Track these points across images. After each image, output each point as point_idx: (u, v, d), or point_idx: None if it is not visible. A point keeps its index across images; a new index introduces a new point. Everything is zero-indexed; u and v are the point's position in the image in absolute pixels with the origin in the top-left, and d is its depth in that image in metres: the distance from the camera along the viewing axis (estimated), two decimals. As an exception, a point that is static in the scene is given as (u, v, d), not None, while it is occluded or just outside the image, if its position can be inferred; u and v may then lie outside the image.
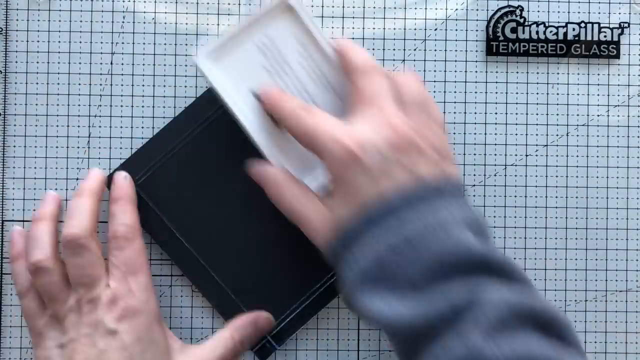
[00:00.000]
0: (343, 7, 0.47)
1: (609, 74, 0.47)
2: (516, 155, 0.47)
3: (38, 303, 0.42)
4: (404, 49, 0.47)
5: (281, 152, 0.41)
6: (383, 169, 0.36)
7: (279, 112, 0.40)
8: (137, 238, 0.43)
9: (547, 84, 0.47)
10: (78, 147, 0.46)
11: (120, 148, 0.46)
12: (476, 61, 0.47)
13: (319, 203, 0.39)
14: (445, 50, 0.47)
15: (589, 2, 0.47)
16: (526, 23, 0.46)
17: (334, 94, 0.42)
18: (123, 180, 0.44)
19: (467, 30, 0.47)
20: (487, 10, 0.47)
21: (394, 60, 0.47)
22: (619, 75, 0.47)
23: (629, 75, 0.47)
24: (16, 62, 0.46)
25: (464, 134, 0.47)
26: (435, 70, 0.47)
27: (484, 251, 0.35)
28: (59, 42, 0.46)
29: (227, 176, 0.45)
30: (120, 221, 0.42)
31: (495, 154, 0.47)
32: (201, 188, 0.45)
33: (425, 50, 0.47)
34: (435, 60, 0.47)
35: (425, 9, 0.47)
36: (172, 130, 0.45)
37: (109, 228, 0.43)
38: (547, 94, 0.47)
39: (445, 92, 0.47)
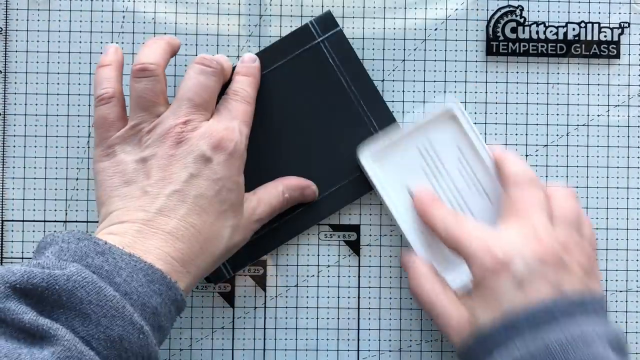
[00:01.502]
0: (343, 7, 0.47)
1: (609, 74, 0.47)
2: (516, 155, 0.47)
3: (118, 113, 0.40)
4: (404, 49, 0.47)
5: (427, 248, 0.44)
6: (528, 280, 0.38)
7: (429, 217, 0.43)
8: (253, 105, 0.43)
9: (547, 84, 0.47)
10: (78, 147, 0.46)
11: (120, 148, 0.46)
12: (476, 61, 0.47)
13: (457, 301, 0.41)
14: (445, 50, 0.47)
15: (589, 2, 0.47)
16: (526, 23, 0.46)
17: (487, 200, 0.44)
18: (253, 61, 0.44)
19: (467, 30, 0.47)
20: (487, 10, 0.47)
21: (394, 60, 0.47)
22: (619, 75, 0.47)
23: (629, 75, 0.47)
24: (16, 62, 0.46)
25: (464, 134, 0.47)
26: (435, 70, 0.47)
27: None
28: (59, 42, 0.46)
29: (292, 125, 0.45)
30: (242, 87, 0.42)
31: (495, 154, 0.47)
32: (269, 112, 0.45)
33: (425, 50, 0.47)
34: (435, 60, 0.47)
35: (425, 9, 0.47)
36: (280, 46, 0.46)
37: (229, 91, 0.42)
38: (547, 94, 0.47)
39: (445, 92, 0.47)
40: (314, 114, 0.45)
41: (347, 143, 0.45)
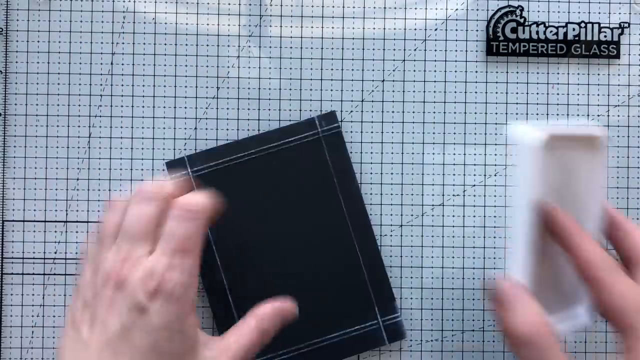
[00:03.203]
0: (343, 7, 0.47)
1: (609, 74, 0.47)
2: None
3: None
4: (404, 49, 0.47)
5: (537, 280, 0.35)
6: None
7: (575, 246, 0.36)
8: (203, 220, 0.38)
9: (547, 84, 0.47)
10: (78, 147, 0.46)
11: (121, 148, 0.46)
12: (476, 61, 0.47)
13: None
14: (445, 50, 0.47)
15: (589, 2, 0.47)
16: (526, 23, 0.46)
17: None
18: (206, 198, 0.39)
19: (467, 30, 0.47)
20: (487, 10, 0.47)
21: (394, 60, 0.47)
22: (619, 75, 0.47)
23: (629, 75, 0.47)
24: (16, 62, 0.46)
25: (464, 134, 0.47)
26: (435, 70, 0.47)
27: None
28: (59, 42, 0.46)
29: (281, 208, 0.45)
30: (195, 197, 0.38)
31: (496, 154, 0.47)
32: (252, 206, 0.45)
33: (425, 50, 0.47)
34: (435, 60, 0.47)
35: (425, 9, 0.47)
36: (252, 141, 0.46)
37: (179, 201, 0.38)
38: (547, 94, 0.47)
39: (445, 92, 0.47)
40: (300, 206, 0.45)
41: (326, 246, 0.45)
